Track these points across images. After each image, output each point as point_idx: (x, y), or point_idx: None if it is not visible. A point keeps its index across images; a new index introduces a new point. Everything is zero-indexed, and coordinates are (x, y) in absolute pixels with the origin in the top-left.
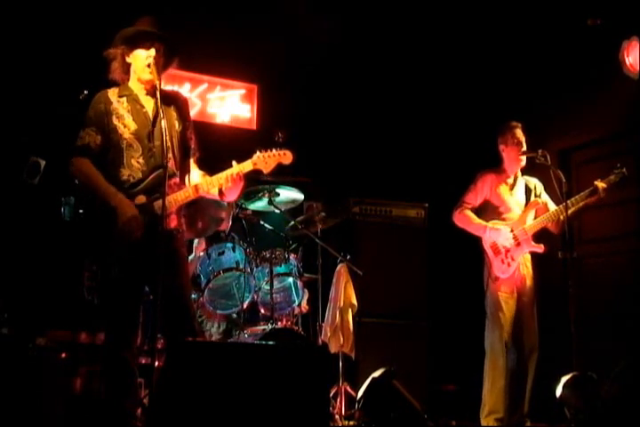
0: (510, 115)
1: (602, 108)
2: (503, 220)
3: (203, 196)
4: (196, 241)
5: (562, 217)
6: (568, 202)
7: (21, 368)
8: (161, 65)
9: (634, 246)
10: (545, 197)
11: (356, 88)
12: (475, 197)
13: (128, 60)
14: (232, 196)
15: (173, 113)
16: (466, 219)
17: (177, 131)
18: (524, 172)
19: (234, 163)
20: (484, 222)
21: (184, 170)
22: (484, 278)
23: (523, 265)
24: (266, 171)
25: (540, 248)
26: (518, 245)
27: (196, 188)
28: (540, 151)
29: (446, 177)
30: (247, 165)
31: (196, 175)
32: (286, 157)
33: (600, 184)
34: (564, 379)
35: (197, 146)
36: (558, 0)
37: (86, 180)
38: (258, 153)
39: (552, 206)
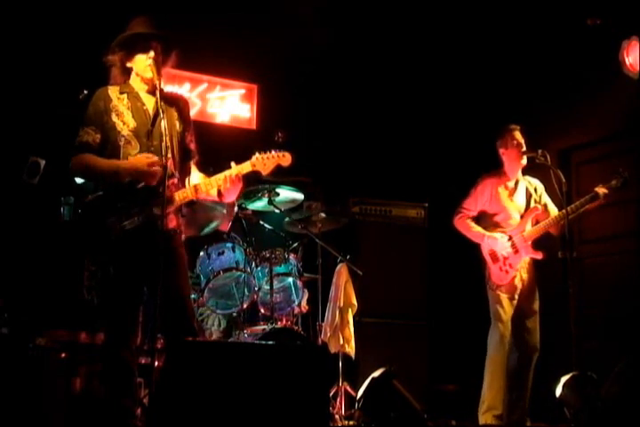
0: (510, 115)
1: (602, 108)
2: (501, 227)
3: (203, 198)
4: None
5: (562, 222)
6: (568, 208)
7: (21, 368)
8: (161, 63)
9: (634, 246)
10: (545, 199)
11: (356, 88)
12: (474, 202)
13: (129, 65)
14: (230, 197)
15: (174, 113)
16: (464, 225)
17: (177, 131)
18: (525, 172)
19: (232, 164)
20: (482, 231)
21: (183, 171)
22: (485, 281)
23: (522, 269)
24: (264, 173)
25: (539, 255)
26: (517, 252)
27: (196, 188)
28: (539, 151)
29: (446, 177)
30: (246, 167)
31: (196, 177)
32: (285, 158)
33: (601, 190)
34: (563, 379)
35: (197, 149)
36: (558, 0)
37: (89, 168)
38: (257, 154)
39: (552, 208)
